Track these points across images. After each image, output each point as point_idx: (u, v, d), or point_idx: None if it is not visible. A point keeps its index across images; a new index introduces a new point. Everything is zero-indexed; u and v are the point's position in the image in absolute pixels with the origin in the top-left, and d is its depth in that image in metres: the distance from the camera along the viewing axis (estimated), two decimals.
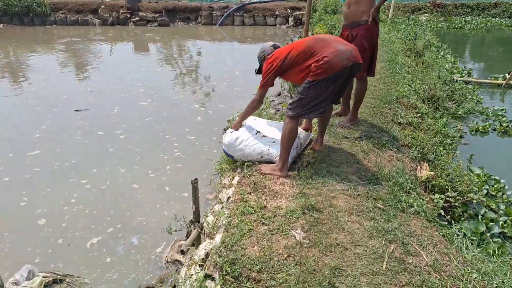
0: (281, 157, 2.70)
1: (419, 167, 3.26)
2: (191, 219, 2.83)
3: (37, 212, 3.32)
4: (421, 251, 2.01)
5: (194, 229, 2.68)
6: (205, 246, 2.22)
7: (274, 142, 2.89)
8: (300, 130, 3.04)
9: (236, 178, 2.83)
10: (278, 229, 2.14)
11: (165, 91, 6.48)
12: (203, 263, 2.11)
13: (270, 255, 1.94)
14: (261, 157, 2.89)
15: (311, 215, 2.25)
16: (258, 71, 2.90)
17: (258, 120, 3.21)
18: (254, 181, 2.67)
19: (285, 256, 1.94)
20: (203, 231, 2.56)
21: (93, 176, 3.88)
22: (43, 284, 2.32)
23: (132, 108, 5.68)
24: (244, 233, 2.10)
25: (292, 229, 2.14)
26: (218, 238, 2.15)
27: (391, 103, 4.35)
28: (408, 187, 2.67)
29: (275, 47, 2.88)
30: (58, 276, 2.40)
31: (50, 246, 2.94)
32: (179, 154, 4.37)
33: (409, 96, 4.76)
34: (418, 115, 4.37)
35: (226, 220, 2.24)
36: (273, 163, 2.82)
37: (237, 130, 3.01)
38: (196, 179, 2.63)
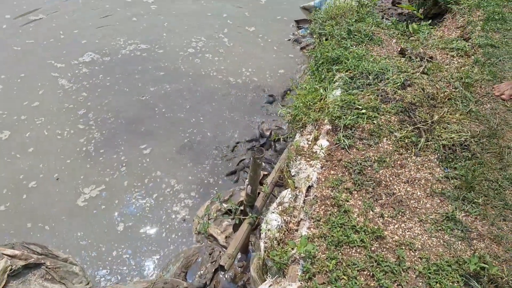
0: None
1: None
2: (242, 201, 1.80)
3: None
4: None
5: (242, 217, 1.66)
6: None
7: None
8: None
9: (324, 143, 1.67)
10: None
11: None
12: None
13: None
14: None
15: None
16: None
17: None
18: (348, 155, 1.54)
19: None
20: (258, 244, 1.50)
21: None
22: (7, 272, 1.47)
23: None
24: None
25: None
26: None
27: None
28: None
29: None
30: (33, 259, 1.54)
31: None
32: None
33: None
34: None
35: (305, 248, 1.18)
36: None
37: None
38: (260, 148, 1.49)
